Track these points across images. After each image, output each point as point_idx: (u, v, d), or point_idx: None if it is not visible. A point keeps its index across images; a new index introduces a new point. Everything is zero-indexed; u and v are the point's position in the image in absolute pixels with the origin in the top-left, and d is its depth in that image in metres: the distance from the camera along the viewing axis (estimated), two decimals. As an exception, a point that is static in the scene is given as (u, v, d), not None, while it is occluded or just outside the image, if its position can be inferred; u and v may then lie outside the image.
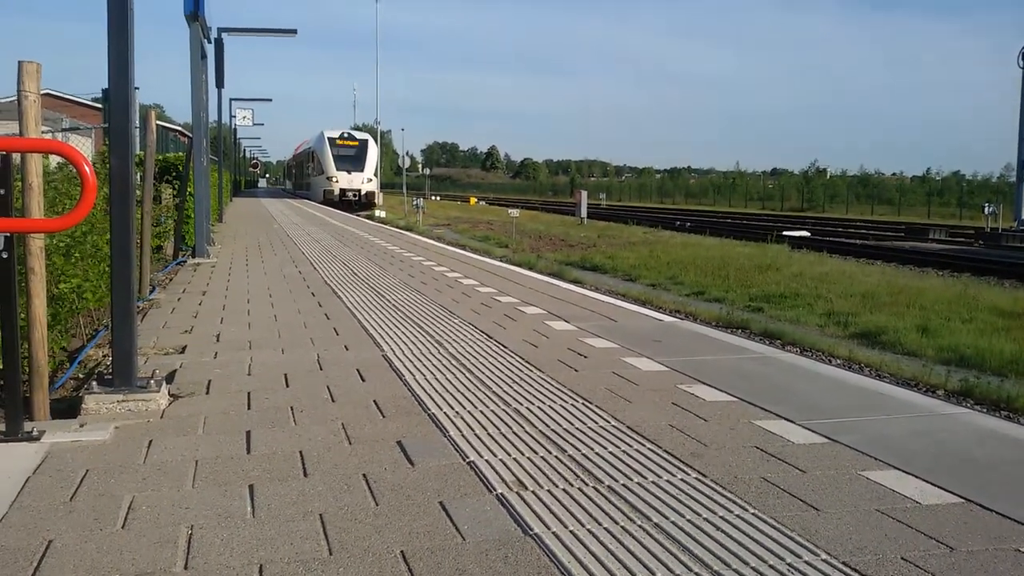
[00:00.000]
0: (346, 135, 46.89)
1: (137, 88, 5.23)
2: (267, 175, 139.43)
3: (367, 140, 47.28)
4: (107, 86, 4.67)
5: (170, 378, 5.01)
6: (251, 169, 79.20)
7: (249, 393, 4.72)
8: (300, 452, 3.71)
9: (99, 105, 30.49)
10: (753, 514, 3.06)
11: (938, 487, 3.35)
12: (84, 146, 13.88)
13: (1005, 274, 17.39)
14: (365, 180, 45.05)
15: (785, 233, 27.08)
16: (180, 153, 14.71)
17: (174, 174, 12.96)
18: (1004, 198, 44.89)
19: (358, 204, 42.95)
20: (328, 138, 45.93)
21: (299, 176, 61.11)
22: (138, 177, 8.25)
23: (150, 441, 3.86)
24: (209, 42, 15.07)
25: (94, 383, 4.46)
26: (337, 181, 44.17)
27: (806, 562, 2.69)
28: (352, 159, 45.18)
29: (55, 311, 5.20)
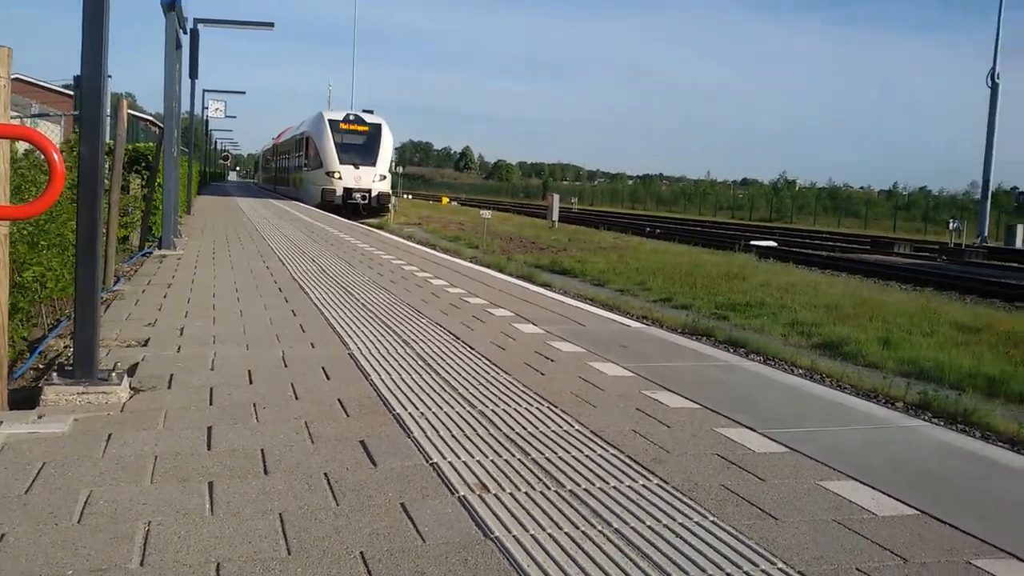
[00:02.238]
0: (352, 117, 36.06)
1: (110, 76, 5.16)
2: (237, 168, 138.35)
3: (380, 125, 36.22)
4: (79, 73, 4.62)
5: (132, 371, 4.95)
6: (222, 161, 78.27)
7: (212, 388, 4.68)
8: (261, 450, 3.68)
9: (69, 92, 30.09)
10: (712, 522, 3.09)
11: (894, 498, 3.40)
12: (53, 133, 13.69)
13: (966, 290, 17.67)
14: (377, 177, 34.79)
15: (753, 243, 27.33)
16: (150, 143, 14.56)
17: (143, 164, 12.82)
18: (969, 215, 45.61)
19: (367, 209, 33.74)
20: (329, 121, 35.50)
21: (282, 170, 49.75)
22: (107, 166, 8.15)
23: (109, 434, 3.82)
24: (185, 32, 14.92)
25: (54, 374, 4.40)
26: (340, 178, 34.07)
27: (763, 571, 2.72)
28: (361, 149, 35.11)
29: (16, 300, 5.12)
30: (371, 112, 37.18)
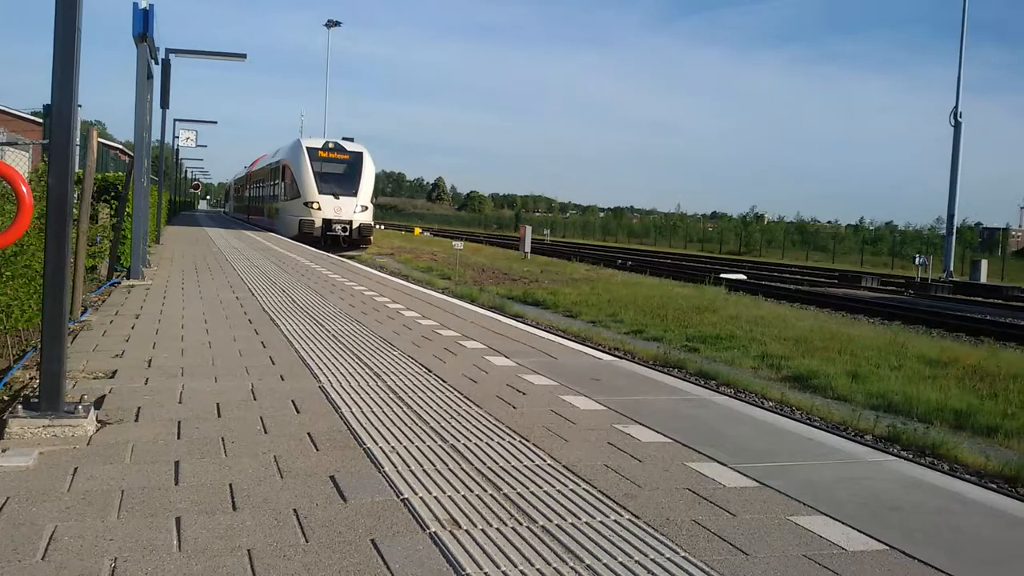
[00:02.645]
0: (332, 145, 34.56)
1: (80, 106, 5.14)
2: (208, 196, 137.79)
3: (361, 153, 34.69)
4: (49, 102, 4.60)
5: (99, 403, 4.89)
6: (192, 190, 77.83)
7: (179, 422, 4.63)
8: (230, 485, 3.64)
9: (39, 119, 29.87)
10: (684, 557, 3.09)
11: (864, 533, 3.42)
12: (22, 160, 13.55)
13: (933, 323, 17.90)
14: (358, 208, 33.11)
15: (723, 276, 27.55)
16: (120, 172, 14.47)
17: (112, 194, 12.72)
18: (934, 249, 46.40)
19: (347, 241, 32.37)
20: (308, 148, 33.96)
21: (256, 200, 47.48)
22: (76, 196, 8.08)
23: (75, 468, 3.76)
24: (156, 63, 14.90)
25: (19, 406, 4.34)
26: (319, 208, 32.47)
27: (734, 607, 2.72)
28: (341, 178, 33.55)
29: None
30: (351, 140, 35.55)
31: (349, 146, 34.85)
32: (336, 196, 32.73)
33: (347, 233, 32.35)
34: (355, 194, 33.20)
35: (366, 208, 33.61)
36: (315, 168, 33.21)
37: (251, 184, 50.76)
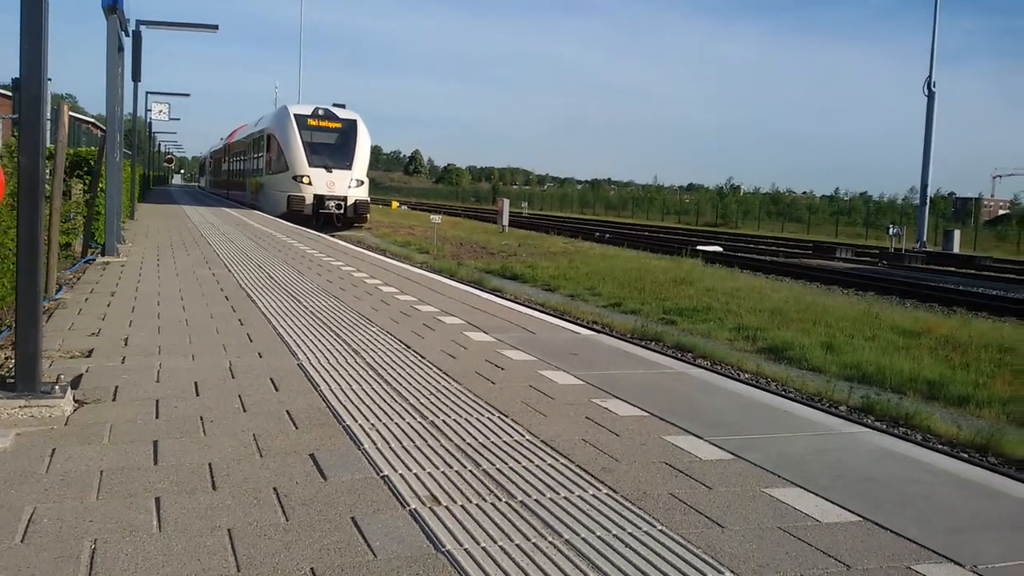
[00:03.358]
0: (322, 112, 30.90)
1: (50, 80, 5.08)
2: (182, 171, 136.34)
3: (355, 121, 31.24)
4: (18, 76, 4.53)
5: (75, 383, 4.87)
6: (166, 164, 76.93)
7: (157, 401, 4.62)
8: (209, 464, 3.65)
9: (8, 93, 29.38)
10: (660, 530, 3.13)
11: (837, 505, 3.48)
12: (-11, 136, 13.37)
13: (907, 294, 18.09)
14: (353, 182, 29.88)
15: (699, 248, 27.68)
16: (92, 147, 14.29)
17: (85, 169, 12.57)
18: (908, 220, 46.79)
19: (341, 219, 29.31)
20: (295, 116, 30.45)
21: (236, 174, 43.40)
22: (48, 172, 7.99)
23: (53, 449, 3.75)
24: (127, 35, 14.67)
25: (-6, 388, 4.31)
26: (310, 183, 29.17)
27: (710, 579, 2.77)
28: (333, 149, 30.22)
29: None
30: (343, 107, 31.87)
31: (341, 113, 31.36)
32: (328, 169, 29.43)
33: (341, 211, 29.22)
34: (349, 166, 29.86)
35: (362, 182, 30.31)
36: (304, 138, 29.78)
37: (230, 157, 46.82)
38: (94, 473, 3.48)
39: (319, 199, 29.05)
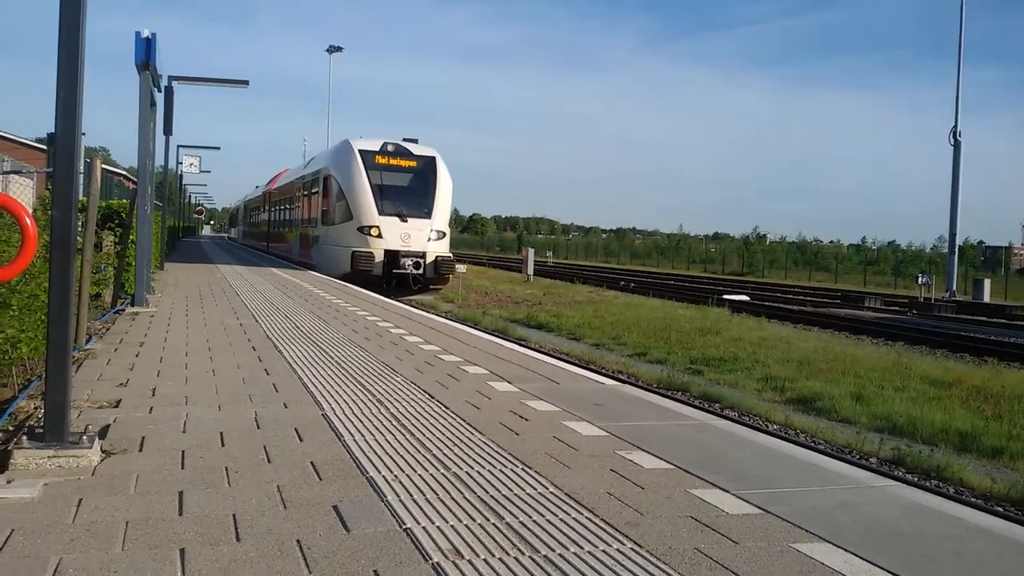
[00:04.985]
0: (392, 148, 24.88)
1: (84, 134, 5.19)
2: (211, 221, 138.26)
3: (434, 158, 25.34)
4: (53, 130, 4.64)
5: (103, 433, 4.91)
6: (196, 216, 77.97)
7: (183, 451, 4.64)
8: (233, 515, 3.65)
9: (43, 146, 30.04)
10: (686, 586, 3.09)
11: (866, 560, 3.42)
12: (26, 188, 13.65)
13: (937, 344, 17.87)
14: (433, 234, 24.05)
15: (726, 297, 27.56)
16: (124, 200, 14.54)
17: (117, 221, 12.79)
18: (937, 268, 46.38)
19: (419, 280, 23.75)
20: (361, 152, 24.50)
21: (280, 224, 37.75)
22: (80, 224, 8.14)
23: (80, 500, 3.77)
24: (159, 91, 15.01)
25: (24, 437, 4.35)
26: (379, 236, 23.46)
27: (736, 637, 2.72)
28: (409, 193, 24.49)
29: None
30: (415, 141, 26.01)
31: (416, 149, 25.38)
32: (403, 218, 23.72)
33: (420, 270, 23.54)
34: (428, 214, 24.13)
35: (443, 235, 24.43)
36: (373, 179, 24.02)
37: (271, 205, 41.11)
38: (120, 523, 3.49)
39: (392, 256, 23.36)
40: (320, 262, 26.18)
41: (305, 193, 30.27)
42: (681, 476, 4.54)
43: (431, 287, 24.26)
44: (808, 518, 3.91)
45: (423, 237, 23.76)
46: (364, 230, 23.64)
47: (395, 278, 23.39)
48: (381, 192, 23.97)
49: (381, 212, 23.65)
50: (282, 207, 37.20)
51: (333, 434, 5.15)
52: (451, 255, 24.65)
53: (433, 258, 23.69)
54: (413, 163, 24.89)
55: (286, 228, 35.57)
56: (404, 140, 25.63)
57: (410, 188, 24.59)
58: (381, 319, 12.15)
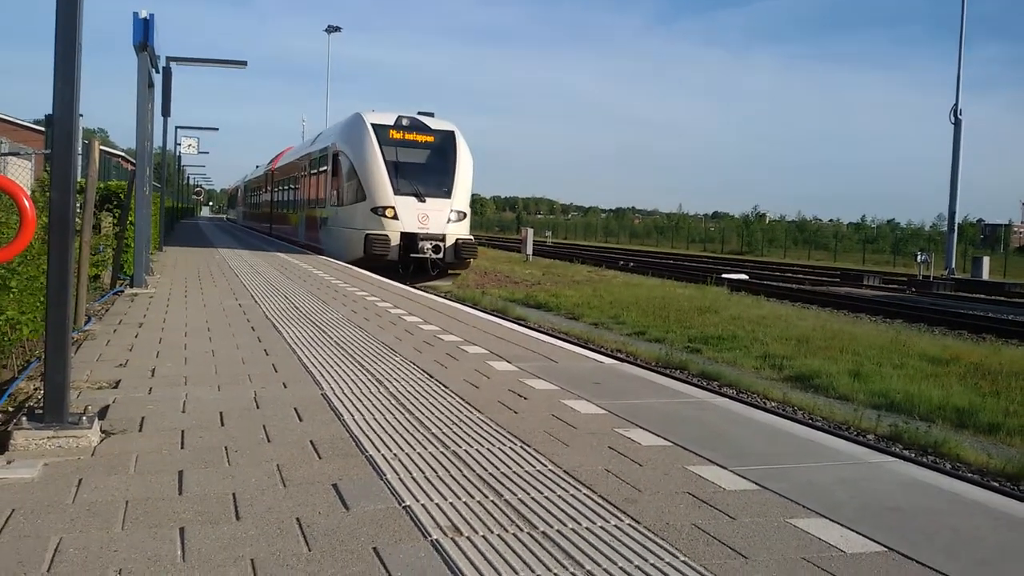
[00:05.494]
0: (407, 122, 22.84)
1: (81, 115, 5.17)
2: (210, 203, 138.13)
3: (453, 133, 23.33)
4: (50, 111, 4.63)
5: (102, 414, 4.92)
6: (194, 197, 77.79)
7: (183, 431, 4.66)
8: (233, 494, 3.67)
9: (41, 128, 29.95)
10: (683, 561, 3.11)
11: (863, 535, 3.44)
12: (24, 170, 13.64)
13: (935, 322, 17.90)
14: (453, 215, 22.21)
15: (724, 276, 27.57)
16: (122, 181, 14.53)
17: (115, 202, 12.77)
18: (936, 247, 46.38)
19: (438, 265, 21.86)
20: (374, 127, 22.45)
21: (284, 206, 35.67)
22: (78, 206, 8.12)
23: (80, 480, 3.79)
24: (157, 72, 14.94)
25: (24, 418, 4.37)
26: (395, 217, 21.59)
27: (733, 611, 2.75)
28: (426, 171, 22.60)
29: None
30: (431, 115, 23.95)
31: (432, 123, 23.34)
32: (421, 198, 21.81)
33: (439, 255, 21.58)
34: (448, 194, 22.23)
35: (463, 216, 22.55)
36: (387, 156, 22.01)
37: (274, 185, 38.90)
38: (120, 503, 3.51)
39: (409, 239, 21.53)
40: (329, 245, 24.55)
41: (312, 172, 28.25)
42: (679, 453, 4.56)
43: (450, 272, 22.73)
44: (805, 494, 3.94)
45: (442, 218, 21.91)
46: (378, 211, 21.72)
47: (412, 263, 21.61)
48: (396, 170, 22.03)
49: (397, 191, 21.76)
50: (286, 187, 35.20)
51: (332, 413, 5.17)
52: (472, 238, 22.88)
53: (453, 241, 21.92)
54: (430, 138, 22.94)
55: (290, 209, 33.51)
56: (420, 113, 23.70)
57: (427, 165, 22.70)
58: (380, 299, 12.15)
